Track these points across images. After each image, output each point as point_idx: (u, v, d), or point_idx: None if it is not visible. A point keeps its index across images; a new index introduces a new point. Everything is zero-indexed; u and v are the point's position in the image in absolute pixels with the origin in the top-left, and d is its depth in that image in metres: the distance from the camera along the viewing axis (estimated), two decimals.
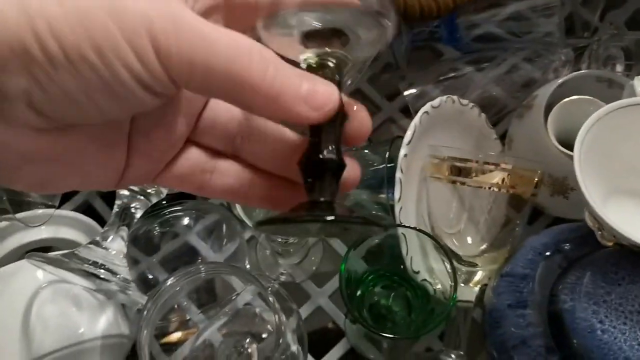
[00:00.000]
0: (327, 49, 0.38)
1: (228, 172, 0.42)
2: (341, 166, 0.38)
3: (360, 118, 0.40)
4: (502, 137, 0.83)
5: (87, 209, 0.82)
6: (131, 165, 0.39)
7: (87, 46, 0.29)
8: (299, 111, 0.33)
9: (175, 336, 0.75)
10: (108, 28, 0.30)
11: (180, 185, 0.42)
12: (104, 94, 0.31)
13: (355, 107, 0.40)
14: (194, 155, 0.42)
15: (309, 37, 0.37)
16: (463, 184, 0.68)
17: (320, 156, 0.37)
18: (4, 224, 0.73)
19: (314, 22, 0.37)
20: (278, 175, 0.42)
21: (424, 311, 0.71)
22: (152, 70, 0.31)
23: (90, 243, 0.65)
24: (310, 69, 0.38)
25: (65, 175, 0.36)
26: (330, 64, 0.38)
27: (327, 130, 0.38)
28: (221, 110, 0.42)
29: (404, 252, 0.68)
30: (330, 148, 0.37)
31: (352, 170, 0.40)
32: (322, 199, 0.38)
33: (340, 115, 0.37)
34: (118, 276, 0.62)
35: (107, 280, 0.61)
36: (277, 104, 0.33)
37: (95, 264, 0.61)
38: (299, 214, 0.37)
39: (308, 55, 0.38)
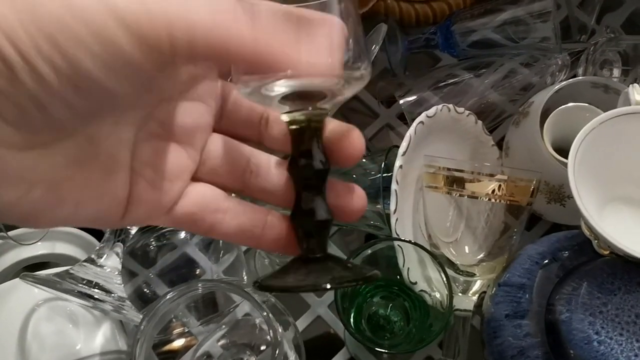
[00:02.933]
0: (307, 108, 0.38)
1: (241, 210, 0.40)
2: (328, 221, 0.39)
3: (352, 139, 0.40)
4: (501, 141, 0.82)
5: None
6: (135, 197, 0.37)
7: (44, 42, 0.28)
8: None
9: (175, 346, 0.76)
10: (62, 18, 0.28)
11: (192, 224, 0.40)
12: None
13: (347, 130, 0.40)
14: (206, 192, 0.40)
15: (288, 98, 0.37)
16: (460, 194, 0.68)
17: (307, 215, 0.38)
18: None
19: (290, 88, 0.37)
20: None
21: (423, 321, 0.71)
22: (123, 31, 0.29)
23: (85, 261, 0.65)
24: (291, 125, 0.39)
25: (55, 204, 0.33)
26: (311, 118, 0.38)
27: (310, 185, 0.39)
28: (228, 146, 0.41)
29: (400, 263, 0.68)
30: (314, 204, 0.38)
31: (355, 197, 0.41)
32: (315, 255, 0.39)
33: (323, 171, 0.39)
34: (113, 295, 0.62)
35: (101, 301, 0.61)
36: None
37: (89, 283, 0.61)
38: (297, 285, 0.38)
39: (288, 114, 0.39)
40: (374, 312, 0.73)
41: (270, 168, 0.41)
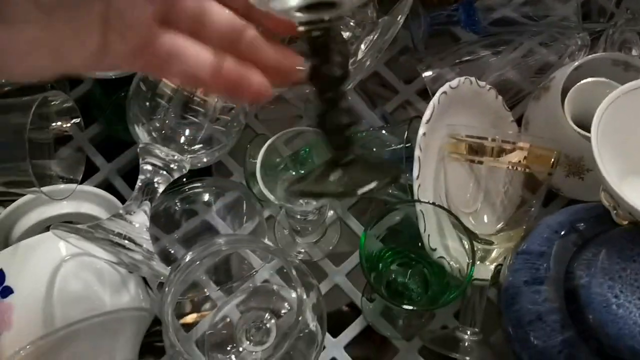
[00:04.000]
0: (322, 18, 0.40)
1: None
2: (352, 123, 0.43)
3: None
4: (518, 121, 0.83)
5: (107, 187, 0.83)
6: (107, 46, 0.41)
7: None
8: None
9: (194, 316, 0.77)
10: None
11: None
12: None
13: None
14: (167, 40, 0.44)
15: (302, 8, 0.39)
16: (481, 162, 0.69)
17: (335, 122, 0.42)
18: (28, 197, 0.74)
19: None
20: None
21: (441, 288, 0.72)
22: None
23: (114, 216, 0.66)
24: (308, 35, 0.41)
25: (46, 59, 0.40)
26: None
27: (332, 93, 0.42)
28: None
29: (421, 229, 0.69)
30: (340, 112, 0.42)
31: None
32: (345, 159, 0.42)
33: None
34: (142, 247, 0.63)
35: (132, 250, 0.62)
36: None
37: (119, 235, 0.62)
38: (330, 191, 0.41)
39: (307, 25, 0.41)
40: (392, 279, 0.74)
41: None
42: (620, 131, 0.62)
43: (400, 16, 0.74)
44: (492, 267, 0.71)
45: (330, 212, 0.84)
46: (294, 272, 0.61)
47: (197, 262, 0.62)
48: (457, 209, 0.72)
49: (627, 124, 0.63)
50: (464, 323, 0.72)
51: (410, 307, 0.65)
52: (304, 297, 0.61)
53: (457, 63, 0.86)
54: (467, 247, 0.66)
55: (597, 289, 0.59)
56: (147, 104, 0.70)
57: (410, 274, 0.74)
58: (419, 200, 0.69)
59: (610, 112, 0.62)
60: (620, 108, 0.62)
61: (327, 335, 0.76)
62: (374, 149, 0.81)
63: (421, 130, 0.70)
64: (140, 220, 0.65)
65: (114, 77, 0.79)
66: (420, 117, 0.72)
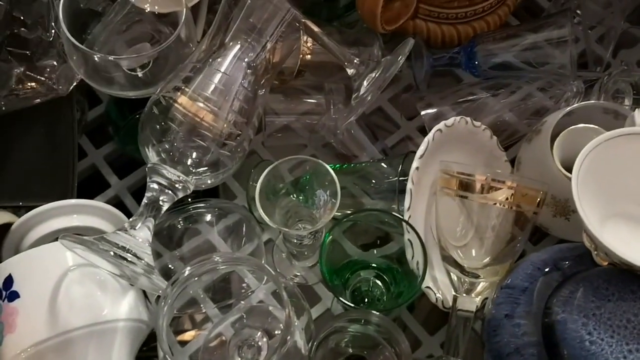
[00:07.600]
0: None
1: None
2: None
3: None
4: (512, 161, 0.87)
5: (117, 204, 0.87)
6: None
7: None
8: None
9: (192, 333, 0.80)
10: None
11: None
12: None
13: None
14: None
15: None
16: (470, 198, 0.72)
17: None
18: (41, 208, 0.76)
19: None
20: None
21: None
22: None
23: (118, 230, 0.69)
24: None
25: None
26: None
27: None
28: None
29: (409, 256, 0.72)
30: None
31: None
32: None
33: None
34: (143, 261, 0.66)
35: (133, 263, 0.65)
36: None
37: (122, 248, 0.65)
38: None
39: None
40: (358, 286, 0.80)
41: None
42: (602, 176, 0.65)
43: (400, 57, 0.77)
44: (478, 299, 0.74)
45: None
46: (284, 293, 0.64)
47: (195, 278, 0.65)
48: (447, 242, 0.74)
49: (608, 169, 0.65)
50: (448, 353, 0.74)
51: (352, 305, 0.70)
52: (293, 318, 0.64)
53: (457, 103, 0.89)
54: (453, 279, 0.69)
55: (572, 326, 0.61)
56: (158, 126, 0.73)
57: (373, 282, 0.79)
58: (407, 222, 0.72)
59: (592, 158, 0.65)
60: (602, 154, 0.65)
61: None
62: (373, 180, 0.84)
63: (414, 165, 0.74)
64: (143, 235, 0.69)
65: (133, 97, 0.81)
66: (415, 152, 0.75)
